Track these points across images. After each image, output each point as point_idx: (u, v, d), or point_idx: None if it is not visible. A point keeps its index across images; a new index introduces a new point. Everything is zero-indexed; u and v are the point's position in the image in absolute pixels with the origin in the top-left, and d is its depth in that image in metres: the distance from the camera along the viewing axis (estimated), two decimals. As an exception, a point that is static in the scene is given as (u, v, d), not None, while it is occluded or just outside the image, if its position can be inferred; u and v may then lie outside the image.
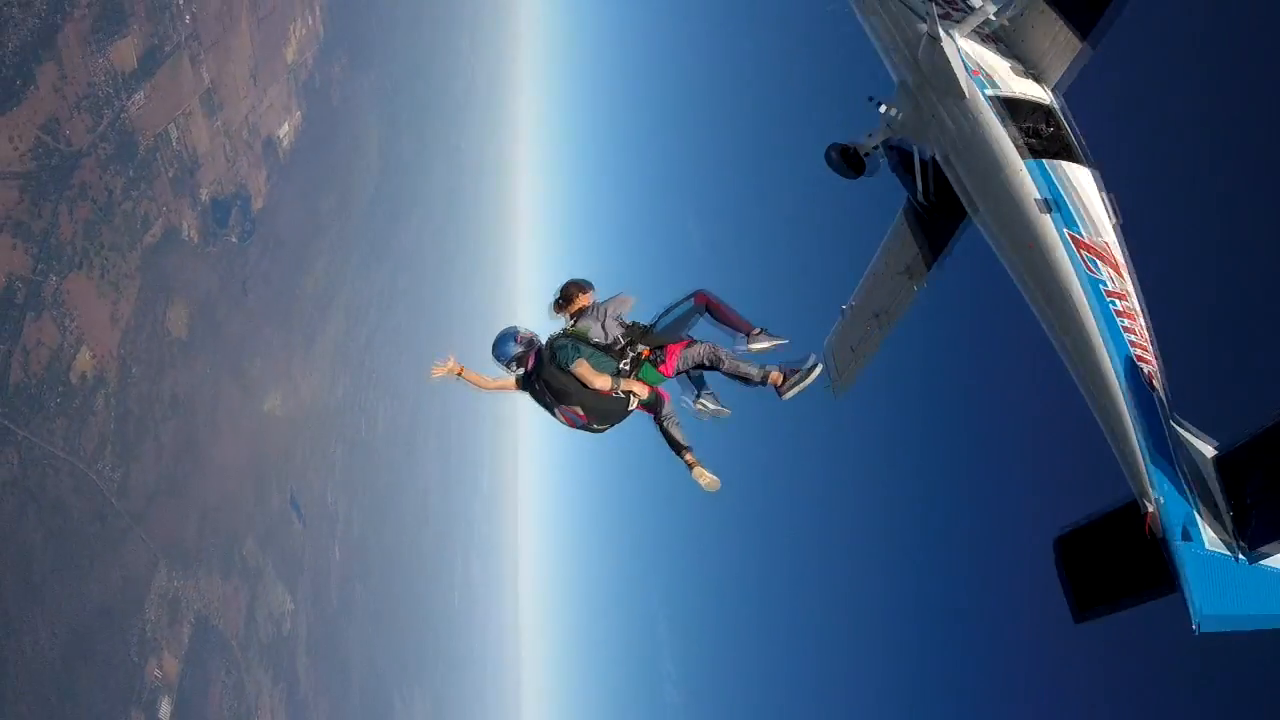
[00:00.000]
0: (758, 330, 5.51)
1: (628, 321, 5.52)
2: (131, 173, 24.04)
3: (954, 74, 6.04)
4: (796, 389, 5.35)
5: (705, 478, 5.40)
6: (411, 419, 57.89)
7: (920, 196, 7.08)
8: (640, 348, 5.51)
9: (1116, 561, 5.65)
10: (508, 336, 5.47)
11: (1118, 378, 5.36)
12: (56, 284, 21.55)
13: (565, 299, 5.57)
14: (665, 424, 5.56)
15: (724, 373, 5.55)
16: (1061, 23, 6.22)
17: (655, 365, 5.48)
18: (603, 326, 5.44)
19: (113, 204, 23.49)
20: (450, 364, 5.70)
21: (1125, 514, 5.39)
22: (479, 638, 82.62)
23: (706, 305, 5.64)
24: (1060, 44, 6.31)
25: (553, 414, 5.58)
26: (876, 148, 7.35)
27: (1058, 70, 6.37)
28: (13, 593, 18.22)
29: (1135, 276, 5.69)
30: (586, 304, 5.52)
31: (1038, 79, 6.46)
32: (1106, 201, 5.92)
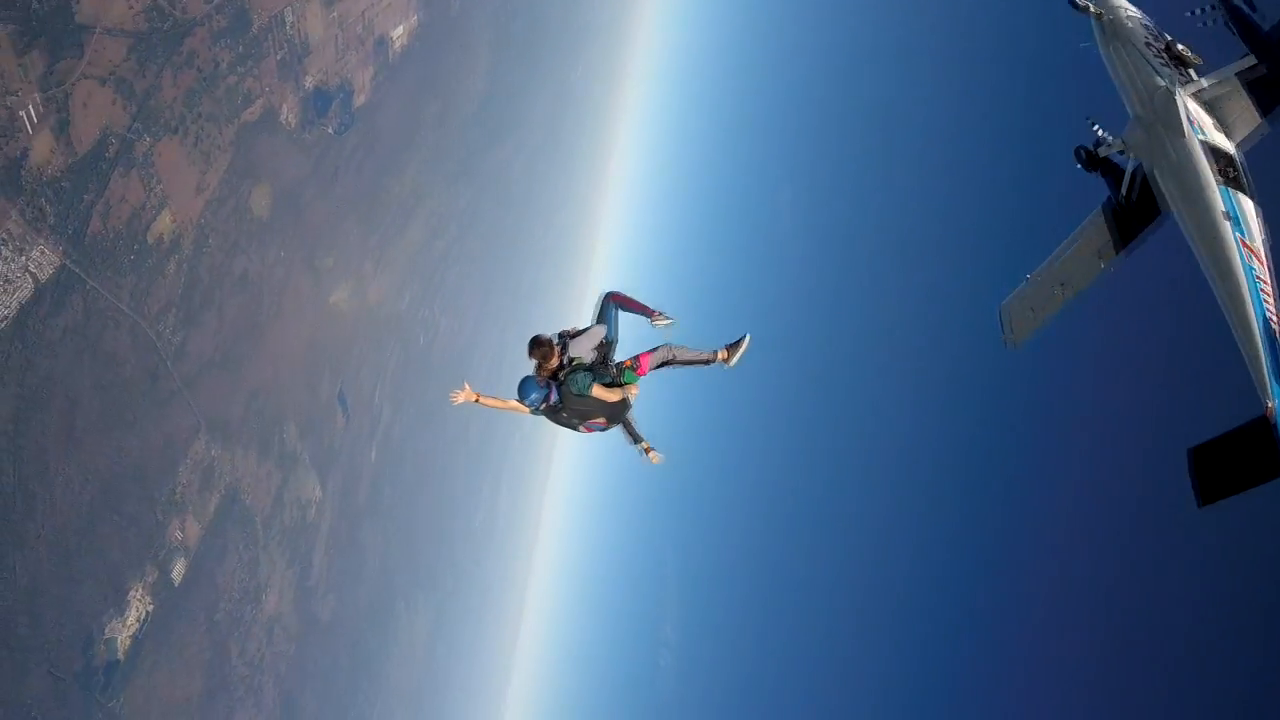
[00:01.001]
0: (657, 313, 7.15)
1: (598, 344, 6.98)
2: (241, 49, 24.01)
3: (1180, 120, 8.61)
4: (738, 355, 7.21)
5: (657, 458, 7.32)
6: (469, 341, 58.30)
7: (1122, 198, 9.60)
8: (620, 360, 7.08)
9: (1236, 462, 8.33)
10: (531, 385, 6.60)
11: (1257, 325, 8.04)
12: (149, 145, 21.72)
13: (543, 359, 6.69)
14: (630, 418, 7.24)
15: (681, 363, 7.24)
16: (1250, 102, 8.90)
17: (634, 370, 7.05)
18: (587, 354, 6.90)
19: (217, 76, 23.53)
20: (466, 392, 6.80)
21: (1246, 431, 8.11)
22: (492, 563, 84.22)
23: (618, 301, 7.16)
24: (1247, 117, 8.98)
25: (576, 430, 7.06)
26: (1108, 154, 9.68)
27: (1242, 133, 8.97)
28: (54, 437, 18.63)
29: (1273, 271, 8.33)
30: (555, 364, 6.72)
31: (1228, 136, 8.92)
32: (1260, 223, 8.48)
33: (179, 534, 27.84)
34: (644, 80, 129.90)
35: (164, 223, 23.53)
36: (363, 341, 41.77)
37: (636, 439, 7.37)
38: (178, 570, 27.72)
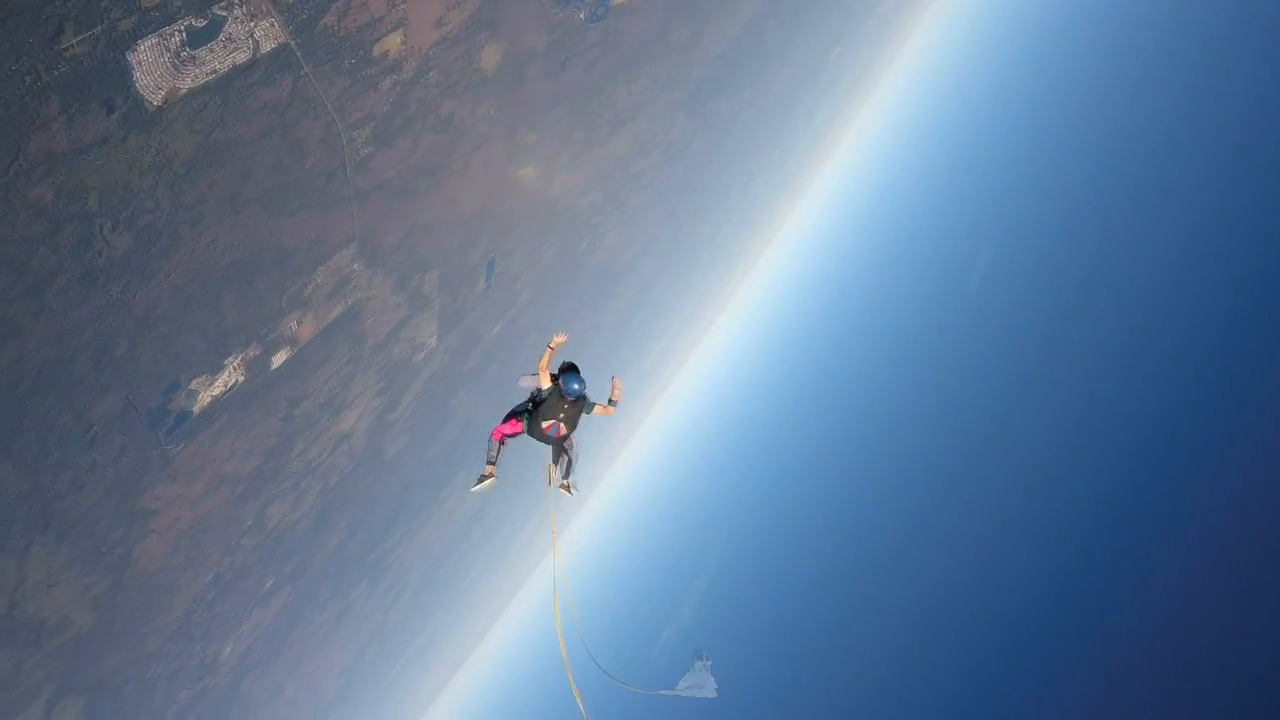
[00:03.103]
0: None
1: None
2: (528, -96, 23.56)
3: None
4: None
5: (555, 481, 9.12)
6: (626, 265, 57.95)
7: None
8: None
9: None
10: (578, 378, 9.08)
11: None
12: (408, -36, 21.75)
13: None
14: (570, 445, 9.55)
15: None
16: None
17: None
18: None
19: (495, -78, 23.21)
20: (563, 337, 8.85)
21: None
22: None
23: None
24: None
25: (551, 431, 9.22)
26: None
27: None
28: (218, 194, 19.23)
29: None
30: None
31: None
32: None
33: (294, 326, 29.05)
34: (894, 81, 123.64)
35: (393, 41, 23.73)
36: (529, 224, 41.98)
37: (559, 459, 9.36)
38: (279, 358, 29.00)
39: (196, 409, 23.47)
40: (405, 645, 79.68)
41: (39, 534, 18.60)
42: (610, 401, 9.13)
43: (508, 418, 9.37)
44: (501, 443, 9.51)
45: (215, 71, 17.87)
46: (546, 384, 8.78)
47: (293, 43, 19.83)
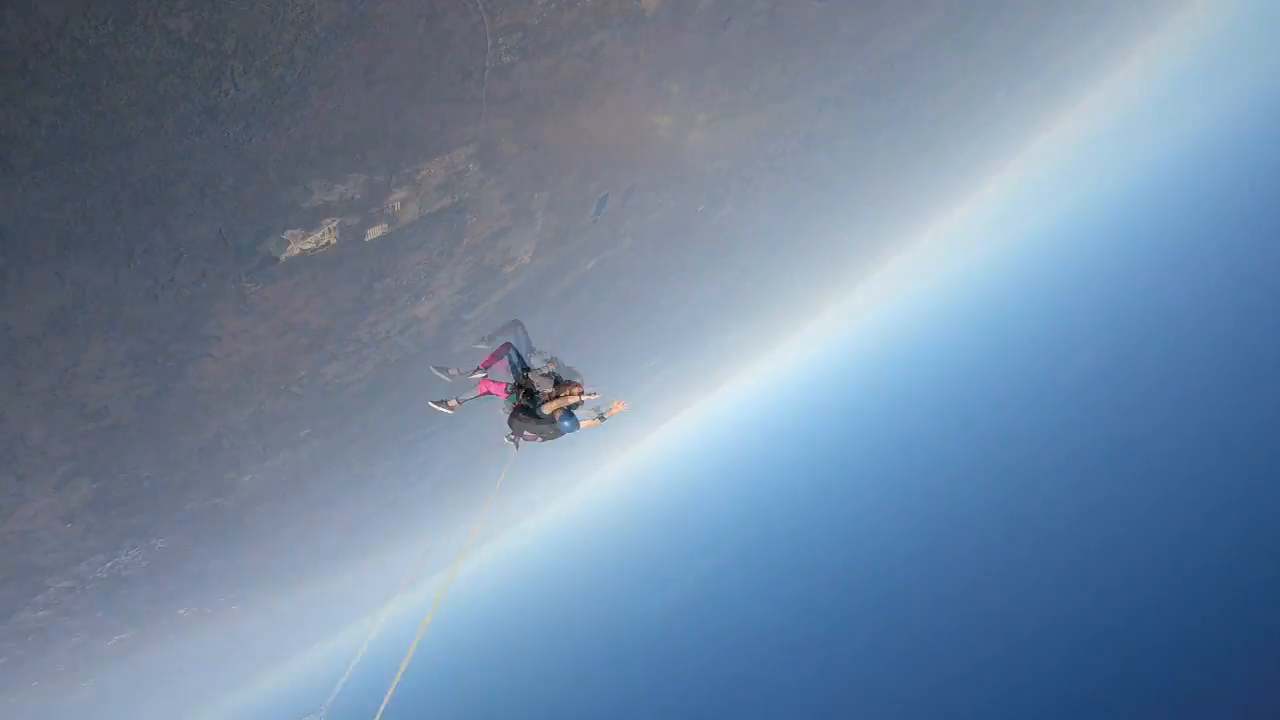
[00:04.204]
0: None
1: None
2: None
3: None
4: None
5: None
6: (734, 244, 57.17)
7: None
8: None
9: None
10: (571, 421, 9.50)
11: None
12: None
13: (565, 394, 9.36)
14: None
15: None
16: None
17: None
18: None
19: None
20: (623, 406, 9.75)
21: None
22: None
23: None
24: None
25: (522, 433, 9.45)
26: None
27: None
28: (353, 65, 19.74)
29: None
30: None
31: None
32: None
33: (396, 205, 29.89)
34: (1047, 147, 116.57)
35: (560, -41, 23.66)
36: (651, 172, 41.78)
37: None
38: (375, 231, 29.96)
39: (283, 257, 24.52)
40: (409, 526, 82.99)
41: (105, 329, 19.95)
42: (600, 417, 9.16)
43: (499, 377, 9.56)
44: (477, 398, 9.78)
45: (377, -54, 18.21)
46: (554, 411, 9.09)
47: (460, -63, 19.99)
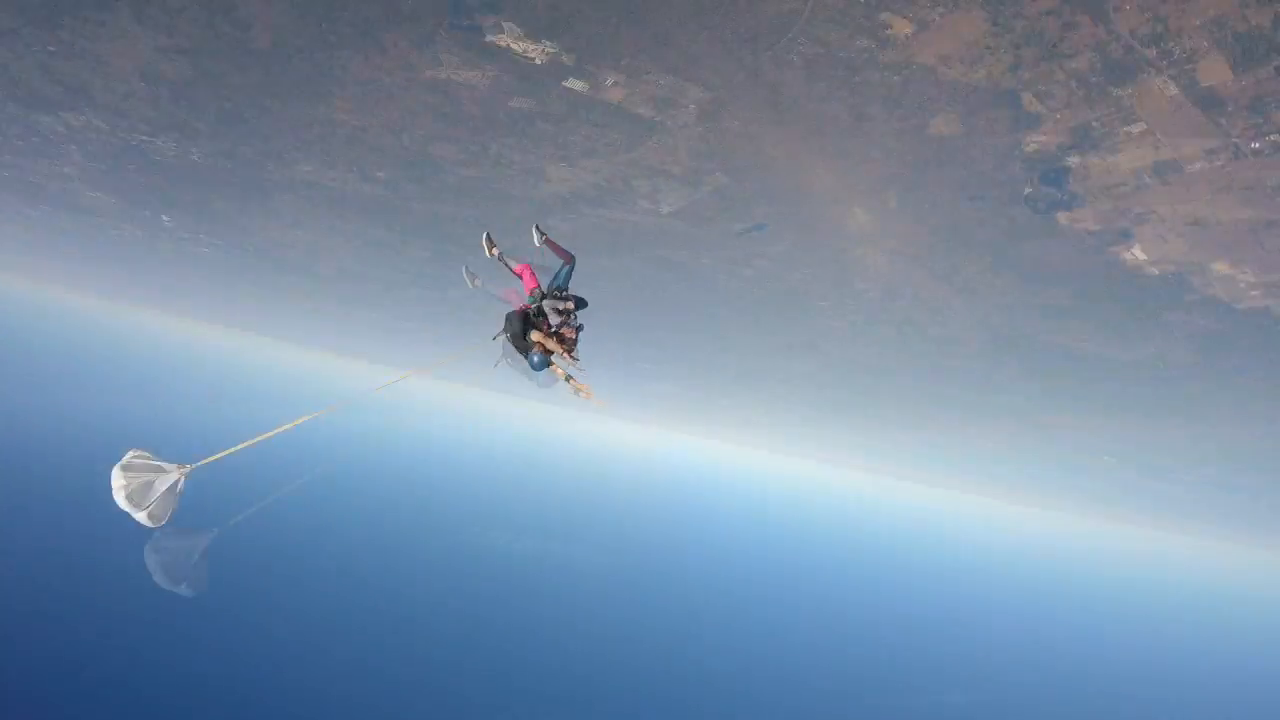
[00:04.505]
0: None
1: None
2: None
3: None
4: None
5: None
6: (812, 347, 56.24)
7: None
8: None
9: None
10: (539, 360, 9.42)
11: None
12: None
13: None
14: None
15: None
16: None
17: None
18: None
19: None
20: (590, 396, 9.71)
21: None
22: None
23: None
24: None
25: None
26: None
27: None
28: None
29: None
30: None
31: None
32: None
33: (609, 81, 29.67)
34: None
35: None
36: (815, 245, 41.30)
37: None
38: (575, 85, 29.62)
39: (489, 39, 24.17)
40: (405, 324, 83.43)
41: None
42: (570, 382, 8.95)
43: (534, 276, 9.50)
44: (512, 270, 9.76)
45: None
46: (536, 340, 8.83)
47: None
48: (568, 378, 9.22)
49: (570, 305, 9.36)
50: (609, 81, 30.72)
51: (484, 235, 10.68)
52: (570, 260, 9.85)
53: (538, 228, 10.33)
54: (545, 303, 9.38)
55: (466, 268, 10.86)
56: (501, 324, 9.53)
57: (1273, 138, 22.04)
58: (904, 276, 42.63)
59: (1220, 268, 30.02)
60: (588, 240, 45.25)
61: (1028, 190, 31.42)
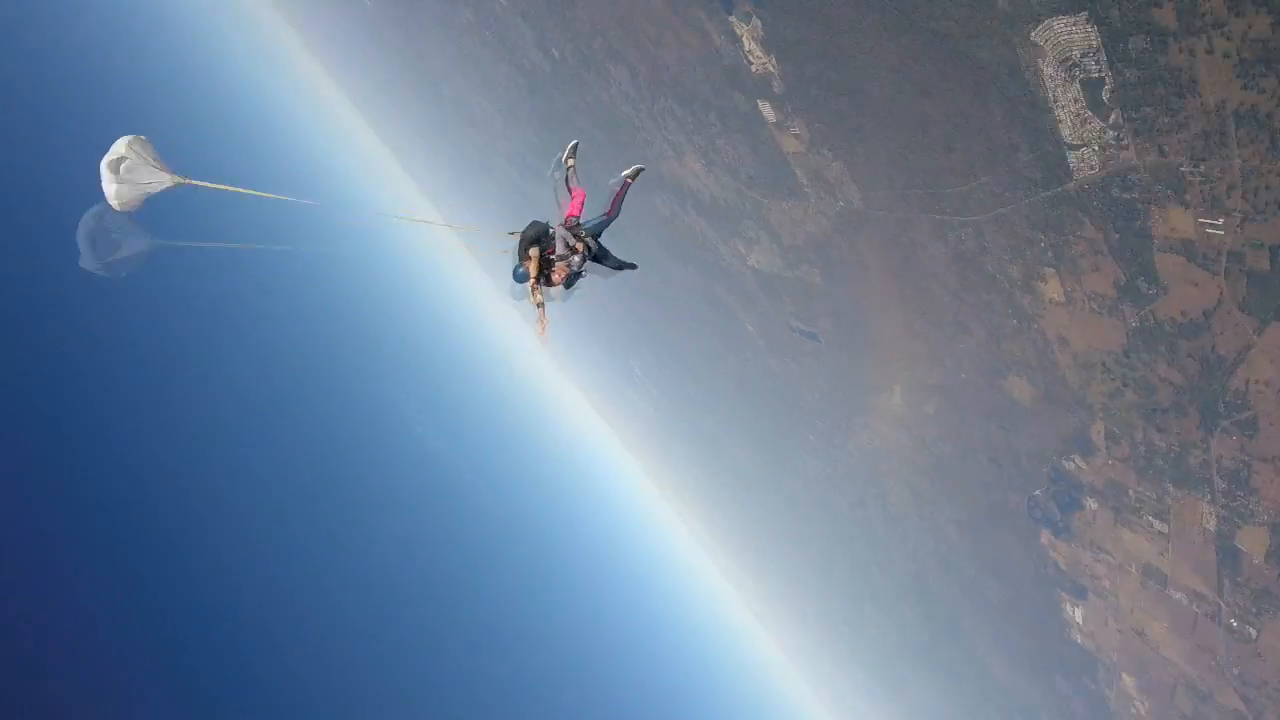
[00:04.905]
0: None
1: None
2: None
3: None
4: None
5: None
6: (782, 463, 55.87)
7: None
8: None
9: None
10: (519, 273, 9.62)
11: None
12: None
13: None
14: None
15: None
16: None
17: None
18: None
19: None
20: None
21: None
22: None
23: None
24: None
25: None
26: None
27: None
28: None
29: None
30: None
31: None
32: None
33: (791, 140, 29.17)
34: None
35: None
36: (854, 370, 40.81)
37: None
38: (766, 110, 29.21)
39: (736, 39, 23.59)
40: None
41: None
42: (535, 299, 9.32)
43: (581, 207, 9.74)
44: (569, 188, 10.07)
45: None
46: (531, 256, 9.17)
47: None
48: (538, 304, 9.34)
49: (580, 248, 9.40)
50: (794, 130, 30.16)
51: (574, 143, 10.67)
52: (612, 216, 9.98)
53: (634, 172, 10.17)
54: (564, 231, 9.39)
55: (560, 157, 10.86)
56: (526, 224, 9.67)
57: (1250, 630, 21.82)
58: (889, 469, 42.45)
59: (1128, 680, 29.84)
60: (671, 233, 44.82)
61: (1037, 492, 31.19)
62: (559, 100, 45.20)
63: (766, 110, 30.03)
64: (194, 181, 9.10)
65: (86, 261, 9.11)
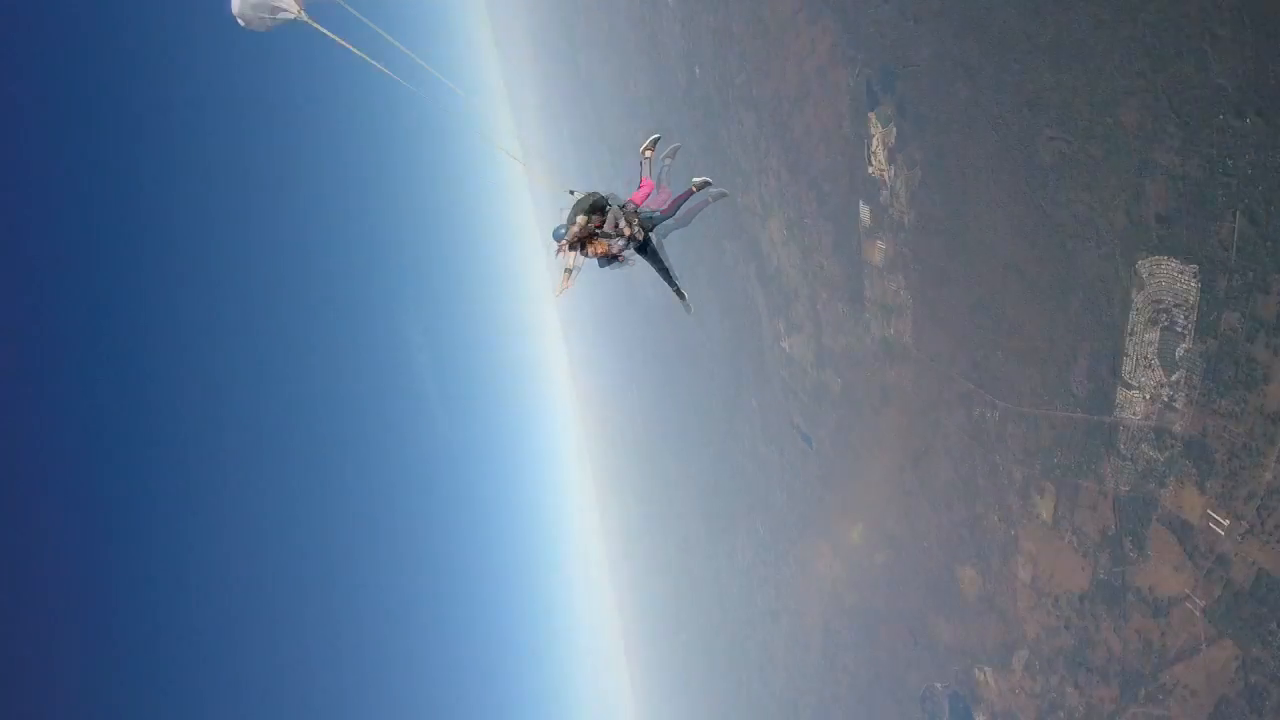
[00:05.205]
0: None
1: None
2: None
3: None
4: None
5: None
6: (735, 546, 55.42)
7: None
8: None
9: None
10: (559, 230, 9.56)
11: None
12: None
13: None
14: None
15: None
16: None
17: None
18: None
19: None
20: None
21: None
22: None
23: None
24: None
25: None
26: None
27: None
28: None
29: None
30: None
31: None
32: None
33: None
34: None
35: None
36: (811, 534, 40.33)
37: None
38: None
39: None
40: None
41: None
42: (566, 269, 9.51)
43: (644, 198, 10.02)
44: (642, 176, 10.33)
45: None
46: (578, 220, 9.16)
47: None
48: (567, 270, 9.52)
49: (628, 233, 9.43)
50: (881, 244, 29.80)
51: (656, 137, 10.50)
52: (667, 215, 10.01)
53: (701, 183, 10.18)
54: (619, 210, 9.43)
55: (661, 139, 10.84)
56: (587, 191, 9.66)
57: None
58: (816, 594, 41.88)
59: None
60: (724, 282, 44.65)
61: (938, 684, 30.67)
62: (679, 116, 45.22)
63: (864, 213, 29.78)
64: (319, 27, 9.15)
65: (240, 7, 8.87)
